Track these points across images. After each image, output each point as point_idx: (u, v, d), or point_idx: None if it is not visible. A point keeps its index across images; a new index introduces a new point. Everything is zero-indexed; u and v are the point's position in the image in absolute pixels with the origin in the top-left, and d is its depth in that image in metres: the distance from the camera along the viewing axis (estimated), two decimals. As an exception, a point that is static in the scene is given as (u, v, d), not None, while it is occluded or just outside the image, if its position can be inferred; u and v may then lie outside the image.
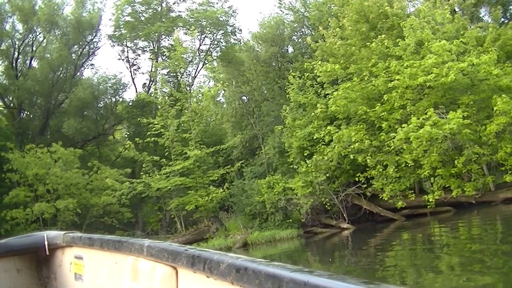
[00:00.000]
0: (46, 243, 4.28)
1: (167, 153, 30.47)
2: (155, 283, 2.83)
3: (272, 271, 1.89)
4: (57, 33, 40.82)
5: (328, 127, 25.07)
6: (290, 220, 26.41)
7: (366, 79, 24.25)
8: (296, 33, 42.02)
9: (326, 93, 26.40)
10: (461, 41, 22.85)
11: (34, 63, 41.92)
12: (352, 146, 23.44)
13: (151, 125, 30.43)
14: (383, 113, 23.24)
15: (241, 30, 51.86)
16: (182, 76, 36.23)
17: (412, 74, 21.98)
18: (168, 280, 2.75)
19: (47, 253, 4.31)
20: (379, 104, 23.47)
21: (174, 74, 40.98)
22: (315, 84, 28.00)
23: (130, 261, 3.14)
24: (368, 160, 23.27)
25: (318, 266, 17.18)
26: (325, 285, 1.64)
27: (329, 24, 30.24)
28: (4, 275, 4.27)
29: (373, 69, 24.22)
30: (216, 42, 42.01)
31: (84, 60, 42.86)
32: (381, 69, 23.81)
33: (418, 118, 21.11)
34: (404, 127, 21.22)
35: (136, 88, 44.56)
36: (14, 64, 40.11)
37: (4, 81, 41.39)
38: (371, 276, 12.67)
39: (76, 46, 41.74)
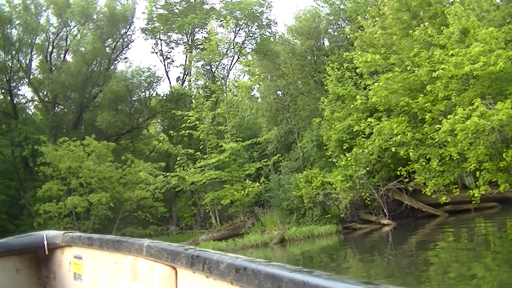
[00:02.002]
0: (45, 242, 4.28)
1: (201, 146, 29.92)
2: (155, 283, 2.82)
3: (271, 271, 1.89)
4: (91, 26, 40.82)
5: (369, 119, 24.24)
6: (329, 216, 25.76)
7: (408, 69, 23.34)
8: (332, 26, 41.44)
9: (366, 84, 25.59)
10: (510, 27, 21.85)
11: (68, 57, 42.16)
12: (393, 139, 22.57)
13: (185, 117, 29.92)
14: (426, 105, 22.32)
15: (276, 23, 51.20)
16: (217, 69, 35.80)
17: (458, 63, 21.04)
18: (168, 280, 2.75)
19: (47, 253, 4.31)
20: (422, 95, 22.56)
21: (209, 67, 40.64)
22: (354, 76, 27.25)
23: (130, 261, 3.13)
24: (410, 153, 22.39)
25: (358, 264, 16.55)
26: (324, 285, 1.62)
27: (368, 14, 29.45)
28: (4, 275, 4.29)
29: (416, 59, 23.30)
30: (251, 35, 41.38)
31: (118, 54, 42.77)
32: (424, 58, 22.89)
33: (464, 109, 20.17)
34: (449, 118, 20.29)
35: (170, 82, 44.40)
36: (48, 58, 40.37)
37: (38, 75, 41.61)
38: (413, 276, 12.01)
39: (110, 40, 41.67)
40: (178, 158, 29.72)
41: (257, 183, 28.12)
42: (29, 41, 38.71)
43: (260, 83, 40.74)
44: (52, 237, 4.27)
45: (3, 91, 39.37)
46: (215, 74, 39.46)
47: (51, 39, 40.15)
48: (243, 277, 2.01)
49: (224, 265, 2.15)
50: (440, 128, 20.77)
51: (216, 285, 2.26)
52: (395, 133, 22.60)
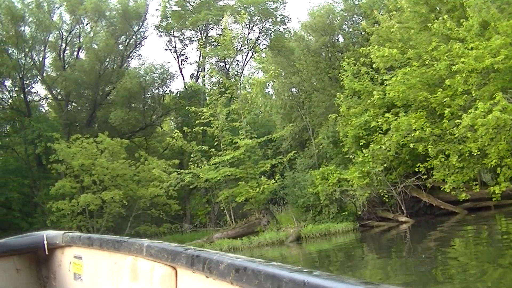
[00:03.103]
0: (45, 242, 4.29)
1: (216, 143, 29.68)
2: (154, 283, 2.81)
3: (271, 271, 1.88)
4: (103, 23, 40.71)
5: (386, 115, 23.81)
6: (345, 213, 25.37)
7: (427, 63, 22.87)
8: (346, 22, 41.11)
9: (383, 78, 25.16)
10: (532, 20, 21.35)
11: (81, 54, 42.09)
12: (412, 135, 22.12)
13: (199, 114, 29.60)
14: (445, 99, 21.81)
15: (290, 19, 50.85)
16: (231, 65, 35.53)
17: (478, 57, 20.55)
18: (168, 280, 2.74)
19: (47, 253, 4.33)
20: (441, 89, 22.08)
21: (223, 64, 40.40)
22: (370, 71, 26.84)
23: (130, 261, 3.13)
24: (429, 149, 21.90)
25: (375, 262, 16.15)
26: (324, 285, 1.62)
27: (384, 8, 29.05)
28: (4, 275, 4.30)
29: (434, 53, 22.83)
30: (265, 31, 41.10)
31: (131, 51, 42.64)
32: (443, 52, 22.40)
33: (485, 104, 19.67)
34: (470, 113, 19.81)
35: (184, 79, 44.25)
36: (61, 56, 40.34)
37: (51, 72, 41.60)
38: (432, 275, 11.67)
39: (123, 37, 41.55)
40: (192, 155, 29.49)
41: (273, 180, 27.80)
42: (42, 38, 38.74)
43: (274, 80, 40.46)
44: (52, 237, 4.29)
45: (16, 88, 39.43)
46: (229, 71, 39.17)
47: (64, 37, 40.21)
48: (243, 277, 2.01)
49: (224, 265, 2.16)
50: (460, 123, 20.29)
51: (216, 285, 2.26)
52: (413, 128, 22.16)
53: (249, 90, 32.43)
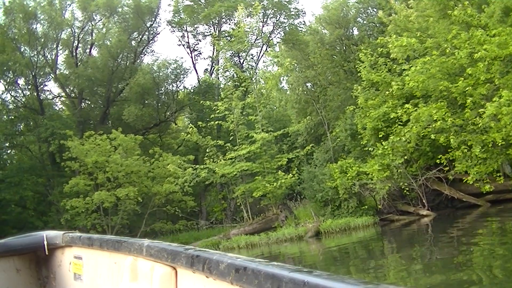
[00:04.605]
0: (45, 243, 4.30)
1: (231, 137, 29.31)
2: (154, 283, 2.82)
3: (271, 271, 1.87)
4: (116, 19, 40.61)
5: (406, 105, 23.23)
6: (365, 207, 24.85)
7: (447, 51, 22.27)
8: (361, 15, 40.60)
9: (402, 68, 24.60)
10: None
11: (94, 51, 42.01)
12: (432, 125, 21.52)
13: (214, 108, 29.19)
14: (467, 89, 21.18)
15: (304, 13, 50.56)
16: (245, 59, 35.18)
17: (501, 43, 19.95)
18: (167, 280, 2.75)
19: (47, 253, 4.34)
20: (462, 79, 21.47)
21: (237, 58, 40.02)
22: (388, 61, 26.30)
23: (129, 261, 3.14)
24: (451, 140, 21.28)
25: (396, 258, 15.63)
26: (324, 285, 1.61)
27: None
28: (3, 275, 4.30)
29: (454, 41, 22.21)
30: (279, 24, 40.71)
31: (144, 47, 42.45)
32: (464, 40, 21.79)
33: (510, 92, 19.07)
34: (494, 101, 19.21)
35: (197, 74, 44.06)
36: (74, 53, 40.22)
37: (64, 70, 41.46)
38: (457, 271, 11.11)
39: (135, 33, 41.33)
40: (207, 150, 29.13)
41: (290, 174, 27.35)
42: (54, 36, 38.73)
43: (289, 74, 40.06)
44: (52, 237, 4.29)
45: (29, 87, 39.35)
46: (243, 65, 38.83)
47: (76, 34, 40.16)
48: (243, 277, 2.00)
49: (224, 265, 2.15)
50: (483, 112, 19.69)
51: (216, 285, 2.26)
52: (434, 119, 21.55)
53: (263, 84, 32.07)
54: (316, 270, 1.77)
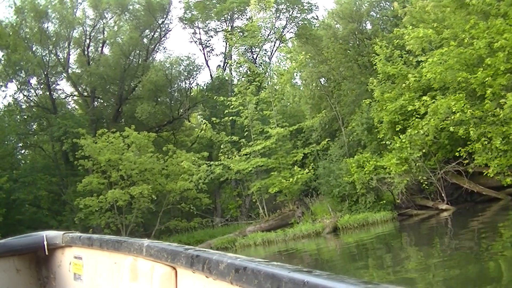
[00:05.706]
0: (45, 243, 4.32)
1: (246, 133, 29.00)
2: (154, 283, 2.82)
3: (271, 271, 1.87)
4: (127, 17, 40.41)
5: (423, 98, 22.83)
6: (383, 202, 24.51)
7: (465, 42, 21.82)
8: (374, 8, 40.17)
9: (419, 60, 24.21)
10: None
11: (106, 49, 41.82)
12: (451, 118, 21.11)
13: (228, 103, 28.91)
14: (486, 79, 20.73)
15: (317, 7, 50.25)
16: (259, 55, 34.91)
17: (522, 32, 19.52)
18: (167, 280, 2.75)
19: (47, 253, 4.36)
20: (481, 69, 21.01)
21: (250, 53, 39.74)
22: (404, 54, 25.91)
23: (129, 261, 3.15)
24: (471, 132, 20.84)
25: (416, 253, 15.29)
26: (324, 285, 1.61)
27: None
28: (3, 275, 4.31)
29: (472, 31, 21.77)
30: (292, 19, 40.37)
31: (155, 44, 42.17)
32: (482, 30, 21.34)
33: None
34: (516, 91, 18.80)
35: (210, 70, 43.72)
36: (86, 51, 40.05)
37: (76, 69, 41.38)
38: (479, 268, 10.73)
39: (147, 30, 41.13)
40: (222, 146, 28.92)
41: (306, 169, 27.02)
42: (66, 34, 38.59)
43: (302, 70, 39.76)
44: (52, 237, 4.31)
45: (42, 86, 39.31)
46: (256, 60, 38.54)
47: (87, 32, 39.97)
48: (243, 277, 2.00)
49: (224, 265, 2.15)
50: (504, 103, 19.25)
51: (216, 285, 2.26)
52: (452, 111, 21.14)
53: (277, 83, 31.85)
54: (316, 270, 1.77)
